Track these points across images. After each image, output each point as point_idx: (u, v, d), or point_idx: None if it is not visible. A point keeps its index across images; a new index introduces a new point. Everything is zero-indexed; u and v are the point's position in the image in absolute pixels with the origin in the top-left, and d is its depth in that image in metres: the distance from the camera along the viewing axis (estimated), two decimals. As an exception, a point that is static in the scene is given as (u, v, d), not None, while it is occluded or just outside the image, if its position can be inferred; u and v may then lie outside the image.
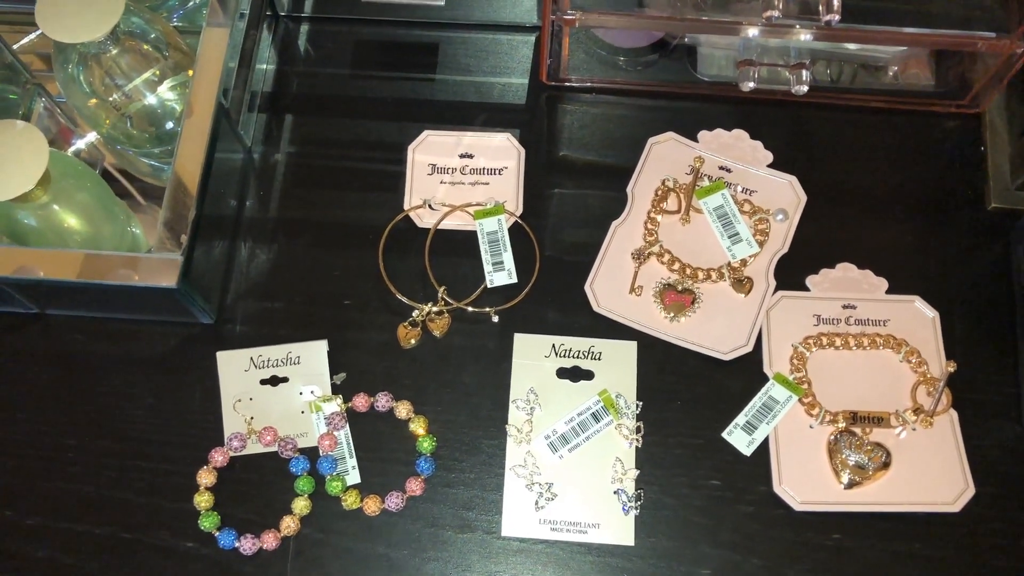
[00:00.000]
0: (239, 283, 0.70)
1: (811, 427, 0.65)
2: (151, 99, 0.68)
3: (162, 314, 0.68)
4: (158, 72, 0.67)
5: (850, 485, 0.63)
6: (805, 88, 0.71)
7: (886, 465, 0.63)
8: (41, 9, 0.61)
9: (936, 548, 0.62)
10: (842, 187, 0.73)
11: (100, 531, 0.63)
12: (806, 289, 0.69)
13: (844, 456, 0.63)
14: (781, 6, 0.64)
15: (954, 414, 0.65)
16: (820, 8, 0.65)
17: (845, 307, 0.68)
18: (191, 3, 0.76)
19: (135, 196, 0.72)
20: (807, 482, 0.63)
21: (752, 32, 0.67)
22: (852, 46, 0.73)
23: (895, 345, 0.67)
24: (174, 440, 0.65)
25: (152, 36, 0.67)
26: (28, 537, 0.63)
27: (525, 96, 0.76)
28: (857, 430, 0.64)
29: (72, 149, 0.73)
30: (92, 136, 0.73)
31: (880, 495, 0.63)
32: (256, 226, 0.72)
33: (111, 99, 0.67)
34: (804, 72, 0.71)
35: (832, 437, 0.64)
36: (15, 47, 0.76)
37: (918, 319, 0.68)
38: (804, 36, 0.67)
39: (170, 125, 0.69)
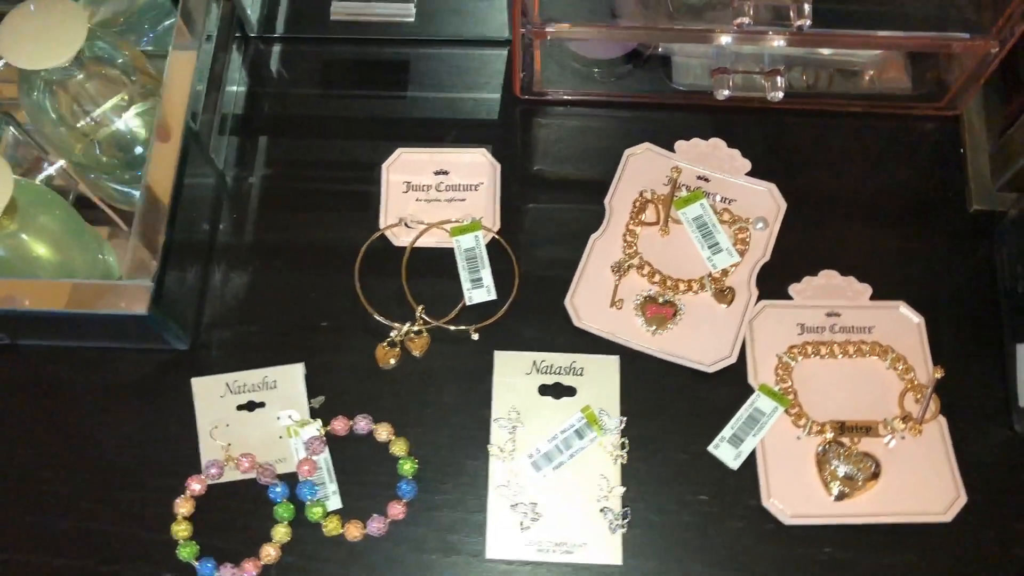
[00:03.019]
0: (214, 308, 0.69)
1: (798, 438, 0.64)
2: (119, 124, 0.67)
3: (136, 341, 0.67)
4: (126, 97, 0.66)
5: (840, 497, 0.62)
6: (780, 95, 0.70)
7: (876, 475, 0.62)
8: (3, 36, 0.60)
9: (929, 559, 0.61)
10: (822, 193, 0.72)
11: (77, 564, 0.62)
12: (789, 298, 0.68)
13: (833, 467, 0.62)
14: (752, 13, 0.64)
15: (943, 421, 0.64)
16: (791, 14, 0.64)
17: (829, 315, 0.67)
18: (160, 27, 0.75)
19: (116, 221, 0.71)
20: (796, 495, 0.62)
21: (725, 40, 0.67)
22: (826, 51, 0.72)
23: (881, 352, 0.66)
24: (151, 469, 0.64)
25: (119, 61, 0.66)
26: (2, 573, 0.61)
27: (499, 111, 0.76)
28: (845, 440, 0.63)
29: (41, 176, 0.72)
30: (61, 163, 0.72)
31: (871, 506, 0.62)
32: (230, 250, 0.71)
33: (79, 125, 0.66)
34: (779, 79, 0.70)
35: (820, 448, 0.63)
36: (-19, 75, 0.75)
37: (903, 325, 0.67)
38: (777, 42, 0.66)
39: (139, 150, 0.68)
